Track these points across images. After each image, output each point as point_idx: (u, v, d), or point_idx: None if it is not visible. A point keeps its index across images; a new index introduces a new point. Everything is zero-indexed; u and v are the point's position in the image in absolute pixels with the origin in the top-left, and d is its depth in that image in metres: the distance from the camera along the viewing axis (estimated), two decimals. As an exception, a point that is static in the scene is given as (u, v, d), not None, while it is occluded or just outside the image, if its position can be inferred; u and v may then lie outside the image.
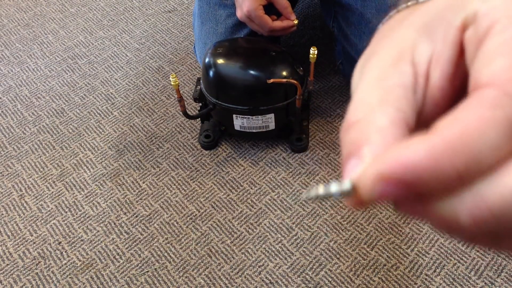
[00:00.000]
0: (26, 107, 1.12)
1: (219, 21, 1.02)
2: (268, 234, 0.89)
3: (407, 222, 0.89)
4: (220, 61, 0.92)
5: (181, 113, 1.03)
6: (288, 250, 0.87)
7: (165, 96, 1.12)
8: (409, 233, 0.88)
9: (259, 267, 0.85)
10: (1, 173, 1.00)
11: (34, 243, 0.89)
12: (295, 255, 0.86)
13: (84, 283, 0.84)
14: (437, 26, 0.19)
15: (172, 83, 0.87)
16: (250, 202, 0.93)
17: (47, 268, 0.86)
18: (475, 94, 0.16)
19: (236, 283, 0.83)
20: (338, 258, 0.85)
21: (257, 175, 0.97)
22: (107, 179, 0.98)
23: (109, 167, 1.00)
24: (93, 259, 0.87)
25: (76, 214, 0.93)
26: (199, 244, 0.88)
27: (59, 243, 0.89)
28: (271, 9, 0.92)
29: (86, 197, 0.95)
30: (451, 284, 0.81)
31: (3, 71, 1.21)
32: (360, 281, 0.82)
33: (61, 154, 1.03)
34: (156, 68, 1.19)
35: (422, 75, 0.19)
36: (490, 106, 0.15)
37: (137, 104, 1.11)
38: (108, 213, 0.93)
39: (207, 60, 0.92)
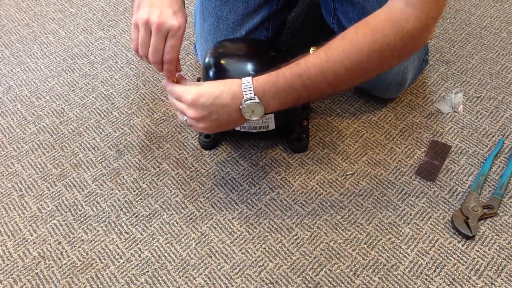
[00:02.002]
0: (26, 107, 1.12)
1: (221, 17, 1.02)
2: (268, 234, 0.89)
3: (407, 222, 0.89)
4: (220, 61, 0.92)
5: (181, 113, 1.03)
6: (288, 250, 0.87)
7: (165, 96, 1.12)
8: (409, 233, 0.88)
9: (259, 267, 0.85)
10: (1, 173, 1.00)
11: (34, 243, 0.89)
12: (295, 255, 0.86)
13: (84, 283, 0.84)
14: None
15: (172, 83, 0.87)
16: (250, 202, 0.93)
17: (47, 268, 0.86)
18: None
19: (236, 283, 0.83)
20: (338, 258, 0.85)
21: (257, 175, 0.97)
22: (107, 179, 0.98)
23: (109, 167, 1.00)
24: (93, 259, 0.87)
25: (76, 214, 0.93)
26: (199, 244, 0.88)
27: (59, 243, 0.89)
28: None
29: (86, 197, 0.95)
30: (451, 284, 0.81)
31: (3, 71, 1.21)
32: (360, 281, 0.82)
33: (61, 154, 1.03)
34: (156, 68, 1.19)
35: None
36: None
37: (137, 104, 1.11)
38: (108, 213, 0.93)
39: (207, 60, 0.92)
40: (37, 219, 0.93)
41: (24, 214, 0.93)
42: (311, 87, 0.75)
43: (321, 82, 0.75)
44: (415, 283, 0.82)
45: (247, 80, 0.76)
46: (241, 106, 0.76)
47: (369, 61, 0.74)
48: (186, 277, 0.84)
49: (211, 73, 0.91)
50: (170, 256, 0.87)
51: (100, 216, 0.92)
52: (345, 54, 0.73)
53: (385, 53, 0.73)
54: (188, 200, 0.94)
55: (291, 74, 0.75)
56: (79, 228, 0.91)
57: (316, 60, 0.75)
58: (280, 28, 1.12)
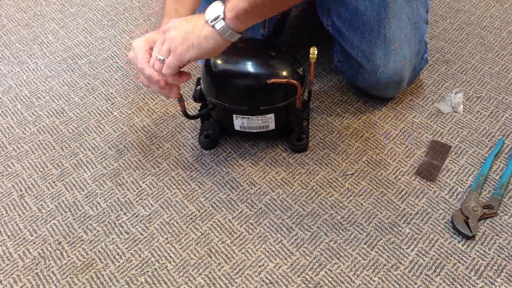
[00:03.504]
0: (26, 107, 1.12)
1: None
2: (268, 234, 0.89)
3: (407, 222, 0.89)
4: (220, 61, 0.92)
5: (181, 113, 1.03)
6: (288, 250, 0.87)
7: (165, 96, 1.12)
8: (409, 233, 0.88)
9: (259, 267, 0.85)
10: (1, 173, 1.00)
11: (34, 243, 0.89)
12: (295, 255, 0.86)
13: (84, 283, 0.84)
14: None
15: (172, 83, 0.87)
16: (250, 202, 0.93)
17: (47, 268, 0.86)
18: None
19: (236, 283, 0.83)
20: (338, 258, 0.85)
21: (257, 175, 0.97)
22: (107, 179, 0.98)
23: (109, 167, 1.00)
24: (93, 259, 0.87)
25: (76, 214, 0.93)
26: (199, 244, 0.88)
27: (59, 243, 0.89)
28: None
29: (86, 197, 0.95)
30: (451, 284, 0.81)
31: (3, 71, 1.21)
32: (360, 281, 0.82)
33: (61, 154, 1.03)
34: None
35: None
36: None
37: (137, 104, 1.11)
38: (108, 213, 0.93)
39: (207, 60, 0.92)
40: (37, 219, 0.93)
41: (24, 214, 0.93)
42: None
43: None
44: (415, 283, 0.82)
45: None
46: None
47: None
48: (186, 277, 0.84)
49: (211, 73, 0.91)
50: (170, 256, 0.87)
51: (100, 216, 0.92)
52: None
53: None
54: (188, 200, 0.94)
55: None
56: (79, 228, 0.91)
57: None
58: (280, 28, 1.12)
